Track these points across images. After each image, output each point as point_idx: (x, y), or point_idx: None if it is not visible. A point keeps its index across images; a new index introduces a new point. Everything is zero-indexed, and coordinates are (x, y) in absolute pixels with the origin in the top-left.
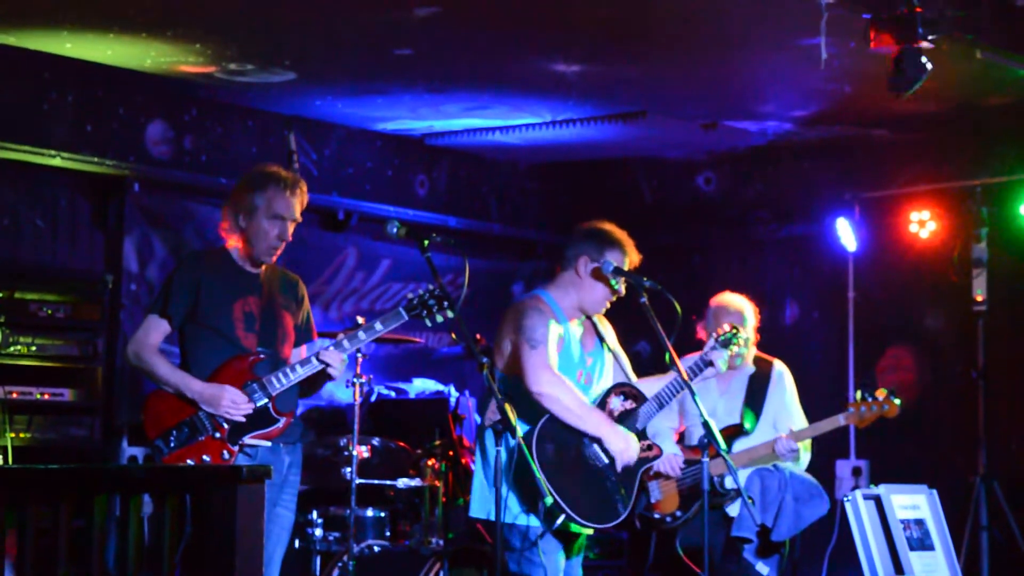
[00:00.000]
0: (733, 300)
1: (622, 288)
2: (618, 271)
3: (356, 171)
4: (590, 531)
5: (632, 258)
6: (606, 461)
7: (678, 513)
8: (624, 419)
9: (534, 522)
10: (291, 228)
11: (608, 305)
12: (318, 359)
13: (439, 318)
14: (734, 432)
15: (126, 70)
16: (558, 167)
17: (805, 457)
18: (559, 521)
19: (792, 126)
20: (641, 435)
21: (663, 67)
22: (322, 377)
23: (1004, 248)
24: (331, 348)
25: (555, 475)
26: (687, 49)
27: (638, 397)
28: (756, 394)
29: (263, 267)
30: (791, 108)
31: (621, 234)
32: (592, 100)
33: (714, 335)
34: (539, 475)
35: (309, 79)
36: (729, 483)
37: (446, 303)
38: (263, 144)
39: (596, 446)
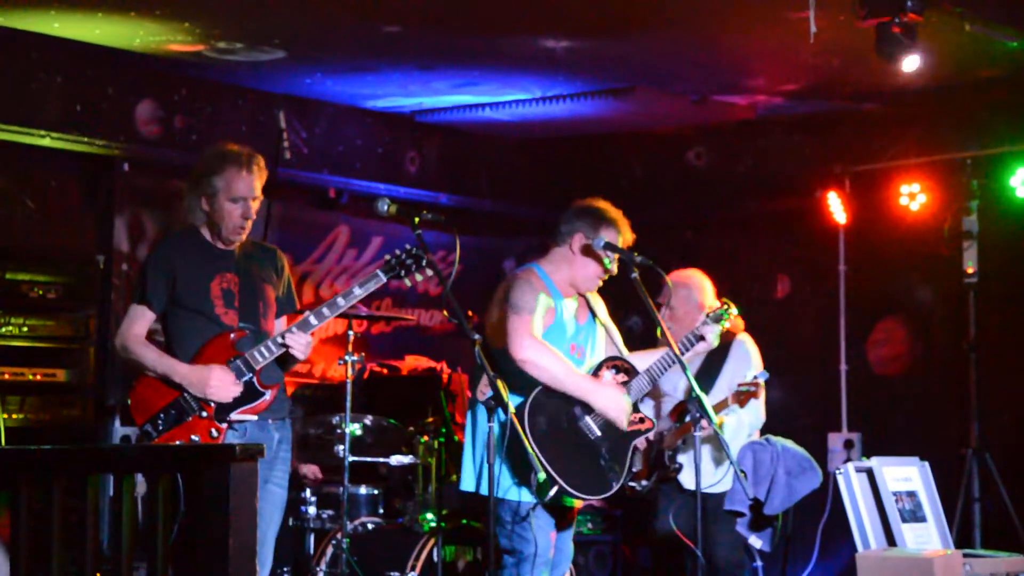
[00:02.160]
0: (692, 275)
1: (614, 267)
2: (609, 246)
3: (346, 149)
4: (582, 502)
5: (626, 237)
6: (598, 433)
7: (644, 482)
8: None
9: (526, 497)
10: (255, 205)
11: (600, 283)
12: (300, 330)
13: (418, 276)
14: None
15: (115, 49)
16: (548, 143)
17: (733, 422)
18: (552, 493)
19: (782, 100)
20: (633, 408)
21: (653, 42)
22: (289, 356)
23: (995, 220)
24: (292, 330)
25: (548, 448)
26: (677, 24)
27: (630, 371)
28: (713, 366)
29: (235, 244)
30: (781, 82)
31: (616, 213)
32: (582, 76)
33: (707, 310)
34: (531, 449)
35: (299, 57)
36: (683, 459)
37: (424, 261)
38: (253, 123)
39: (588, 418)
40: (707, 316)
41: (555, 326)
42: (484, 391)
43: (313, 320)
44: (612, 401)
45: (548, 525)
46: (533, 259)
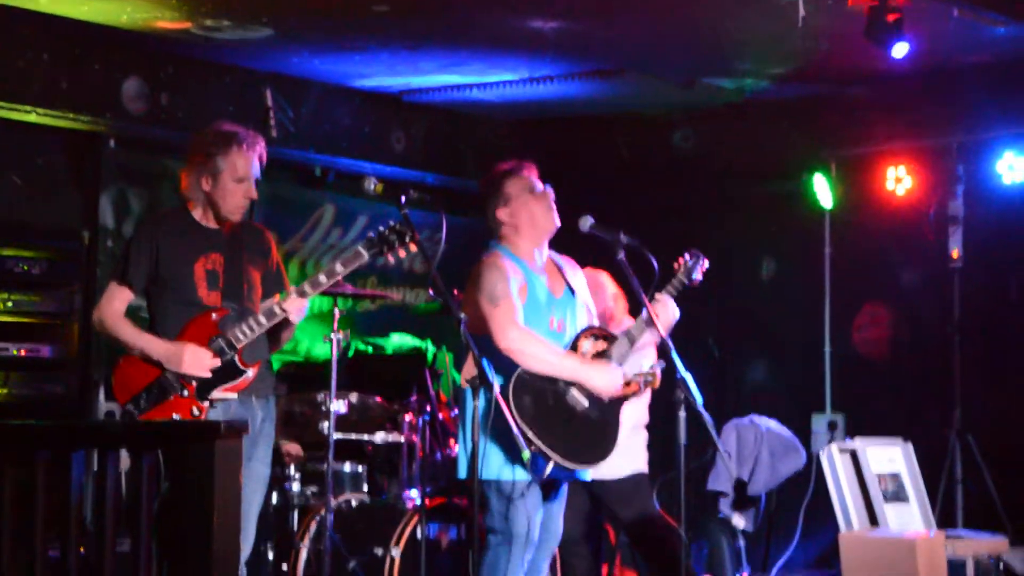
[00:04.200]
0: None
1: (547, 197)
2: (596, 227)
3: (333, 128)
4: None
5: (525, 177)
6: (586, 404)
7: None
8: (598, 360)
9: (519, 475)
10: (254, 186)
11: (554, 212)
12: (280, 308)
13: (401, 253)
14: None
15: (102, 26)
16: (535, 124)
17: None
18: (549, 468)
19: (769, 83)
20: None
21: (641, 24)
22: (283, 327)
23: (980, 205)
24: (291, 296)
25: (537, 423)
26: (665, 6)
27: (609, 337)
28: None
29: (226, 222)
30: (768, 66)
31: (502, 166)
32: (569, 57)
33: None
34: (515, 428)
35: (286, 36)
36: None
37: (407, 237)
38: (240, 101)
39: (574, 389)
40: (678, 275)
41: (531, 302)
42: (470, 372)
43: (308, 289)
44: (605, 379)
45: (535, 504)
46: (493, 240)
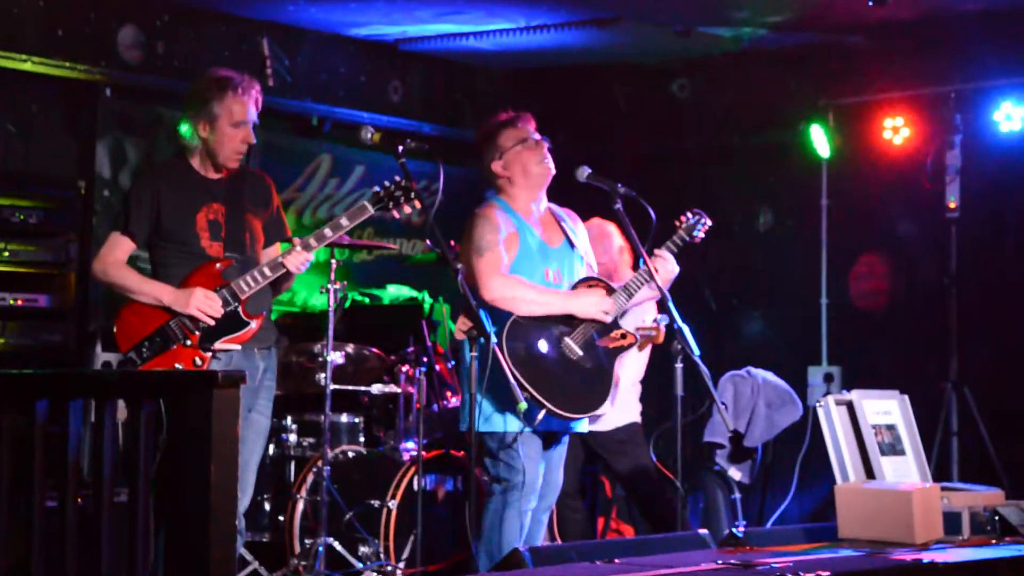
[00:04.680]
0: (605, 224)
1: (541, 148)
2: (592, 177)
3: (329, 77)
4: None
5: (521, 129)
6: (580, 353)
7: None
8: None
9: (512, 426)
10: (252, 132)
11: (549, 160)
12: (284, 260)
13: (406, 209)
14: None
15: None
16: (532, 73)
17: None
18: (539, 417)
19: (767, 32)
20: (613, 325)
21: None
22: (284, 277)
23: (978, 155)
24: (296, 249)
25: (530, 372)
26: None
27: (607, 289)
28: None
29: (225, 170)
30: (766, 14)
31: (497, 117)
32: (566, 5)
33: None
34: (512, 376)
35: None
36: None
37: (412, 194)
38: (236, 50)
39: (568, 339)
40: (679, 231)
41: (523, 252)
42: (462, 327)
43: (314, 242)
44: (590, 304)
45: (536, 454)
46: (490, 191)
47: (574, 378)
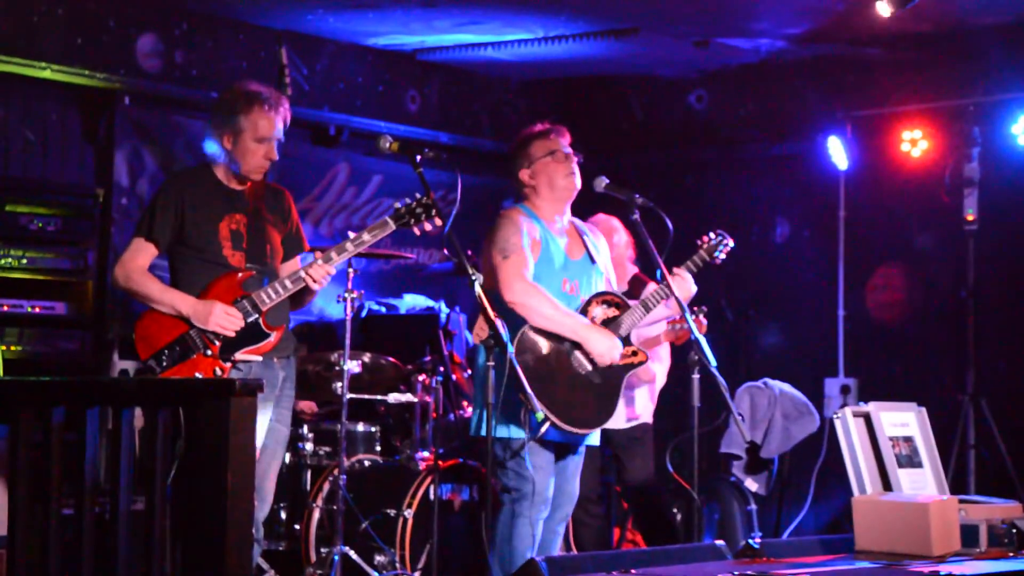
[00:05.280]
0: (613, 219)
1: (570, 163)
2: (610, 187)
3: (347, 86)
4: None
5: (552, 141)
6: (589, 367)
7: None
8: (607, 326)
9: (515, 433)
10: (276, 147)
11: (576, 175)
12: (305, 273)
13: (427, 226)
14: None
15: None
16: (549, 84)
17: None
18: (544, 428)
19: (785, 44)
20: (625, 341)
21: None
22: (306, 291)
23: (996, 168)
24: (318, 262)
25: (536, 383)
26: None
27: (622, 305)
28: None
29: (248, 183)
30: (784, 25)
31: (533, 127)
32: (584, 16)
33: (702, 247)
34: (527, 387)
35: None
36: None
37: (433, 211)
38: (254, 58)
39: (578, 352)
40: (700, 251)
41: (544, 260)
42: (480, 332)
43: (335, 255)
44: (604, 345)
45: (547, 464)
46: (519, 198)
47: (581, 392)
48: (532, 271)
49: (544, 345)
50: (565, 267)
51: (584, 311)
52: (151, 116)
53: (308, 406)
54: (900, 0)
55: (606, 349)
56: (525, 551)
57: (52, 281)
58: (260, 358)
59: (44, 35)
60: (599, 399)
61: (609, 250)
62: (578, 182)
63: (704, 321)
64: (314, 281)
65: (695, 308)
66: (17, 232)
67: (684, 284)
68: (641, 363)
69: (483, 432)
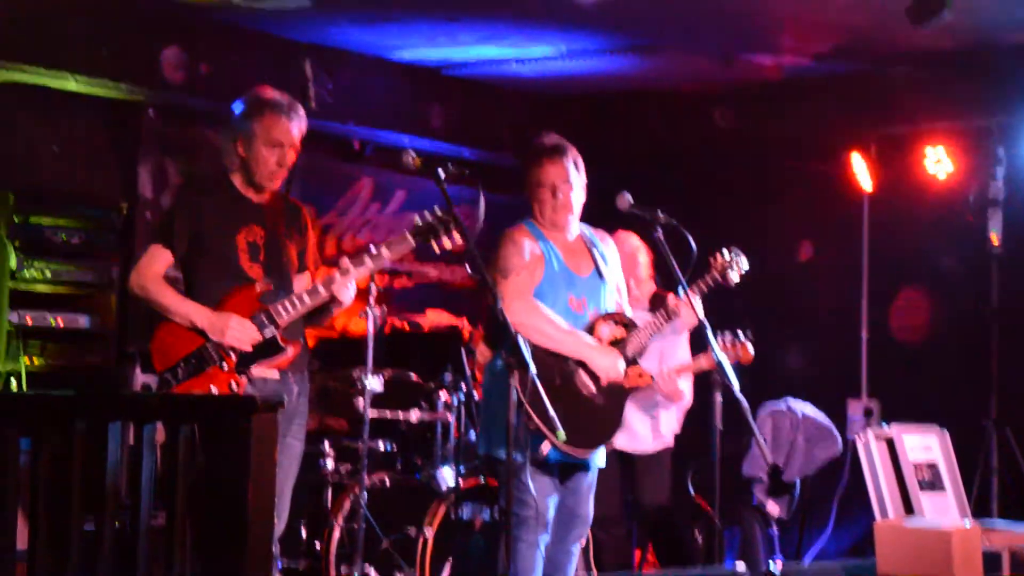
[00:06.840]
0: (627, 238)
1: (555, 183)
2: (633, 205)
3: (371, 101)
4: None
5: (554, 160)
6: (593, 389)
7: None
8: (615, 347)
9: (518, 455)
10: (291, 155)
11: (565, 207)
12: (325, 288)
13: (446, 243)
14: None
15: None
16: (572, 100)
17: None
18: (546, 447)
19: (809, 61)
20: (631, 363)
21: None
22: (331, 305)
23: (1021, 188)
24: (336, 276)
25: (536, 402)
26: None
27: (629, 325)
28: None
29: (266, 195)
30: (808, 43)
31: (531, 149)
32: (608, 32)
33: (714, 266)
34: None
35: (325, 6)
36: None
37: (453, 226)
38: (279, 72)
39: (582, 372)
40: (712, 271)
41: (547, 277)
42: (484, 353)
43: (352, 268)
44: (605, 363)
45: (547, 487)
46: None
47: (583, 413)
48: (534, 289)
49: (548, 364)
50: (570, 283)
51: (591, 329)
52: (176, 128)
53: (337, 423)
54: (919, 14)
55: (607, 366)
56: (530, 575)
57: (75, 294)
58: (276, 373)
59: (69, 47)
60: (602, 420)
61: (622, 260)
62: (569, 209)
63: (750, 346)
64: (339, 295)
65: (738, 332)
66: (41, 244)
67: (686, 312)
68: (647, 386)
69: (488, 451)
